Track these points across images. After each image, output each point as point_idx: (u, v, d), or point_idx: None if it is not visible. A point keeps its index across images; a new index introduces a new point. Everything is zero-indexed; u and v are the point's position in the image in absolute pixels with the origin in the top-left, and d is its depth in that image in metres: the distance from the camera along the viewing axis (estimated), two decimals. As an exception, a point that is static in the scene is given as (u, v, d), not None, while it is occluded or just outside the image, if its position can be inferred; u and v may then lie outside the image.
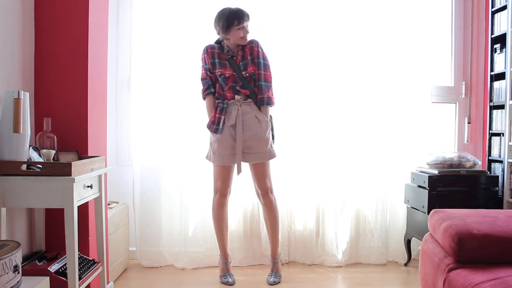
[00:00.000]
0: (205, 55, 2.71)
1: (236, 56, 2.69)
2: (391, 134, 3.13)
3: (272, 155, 2.72)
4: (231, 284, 2.71)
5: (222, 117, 2.65)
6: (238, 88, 2.67)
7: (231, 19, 2.60)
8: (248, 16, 2.65)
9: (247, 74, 2.67)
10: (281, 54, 3.05)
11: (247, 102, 2.67)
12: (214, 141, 2.69)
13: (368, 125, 3.12)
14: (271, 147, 2.72)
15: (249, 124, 2.65)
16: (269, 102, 2.68)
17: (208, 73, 2.72)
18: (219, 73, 2.68)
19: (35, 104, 2.22)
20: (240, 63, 2.68)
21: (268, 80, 2.69)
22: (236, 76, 2.67)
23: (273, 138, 2.76)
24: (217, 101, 2.71)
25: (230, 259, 2.85)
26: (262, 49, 2.70)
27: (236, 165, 2.69)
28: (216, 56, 2.69)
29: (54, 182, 1.81)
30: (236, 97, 2.66)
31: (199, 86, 3.01)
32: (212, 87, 2.72)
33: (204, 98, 2.75)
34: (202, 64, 2.74)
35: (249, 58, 2.67)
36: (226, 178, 2.73)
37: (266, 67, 2.69)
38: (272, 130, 2.76)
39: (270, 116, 2.75)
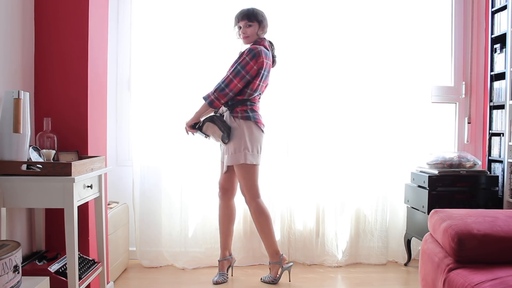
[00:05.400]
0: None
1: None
2: (391, 134, 3.13)
3: (237, 160, 2.54)
4: (215, 283, 2.70)
5: None
6: None
7: (235, 18, 2.67)
8: (246, 16, 2.60)
9: None
10: (281, 54, 3.04)
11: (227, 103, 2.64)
12: None
13: (368, 125, 3.12)
14: (241, 151, 2.53)
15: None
16: (205, 97, 2.59)
17: None
18: None
19: (35, 104, 2.22)
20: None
21: (225, 81, 2.53)
22: None
23: (228, 137, 2.54)
24: None
25: (228, 259, 2.82)
26: (251, 59, 2.51)
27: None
28: None
29: (54, 182, 1.81)
30: None
31: (199, 86, 3.00)
32: None
33: None
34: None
35: None
36: (222, 174, 2.77)
37: (237, 73, 2.51)
38: (222, 129, 2.53)
39: (212, 116, 2.62)
